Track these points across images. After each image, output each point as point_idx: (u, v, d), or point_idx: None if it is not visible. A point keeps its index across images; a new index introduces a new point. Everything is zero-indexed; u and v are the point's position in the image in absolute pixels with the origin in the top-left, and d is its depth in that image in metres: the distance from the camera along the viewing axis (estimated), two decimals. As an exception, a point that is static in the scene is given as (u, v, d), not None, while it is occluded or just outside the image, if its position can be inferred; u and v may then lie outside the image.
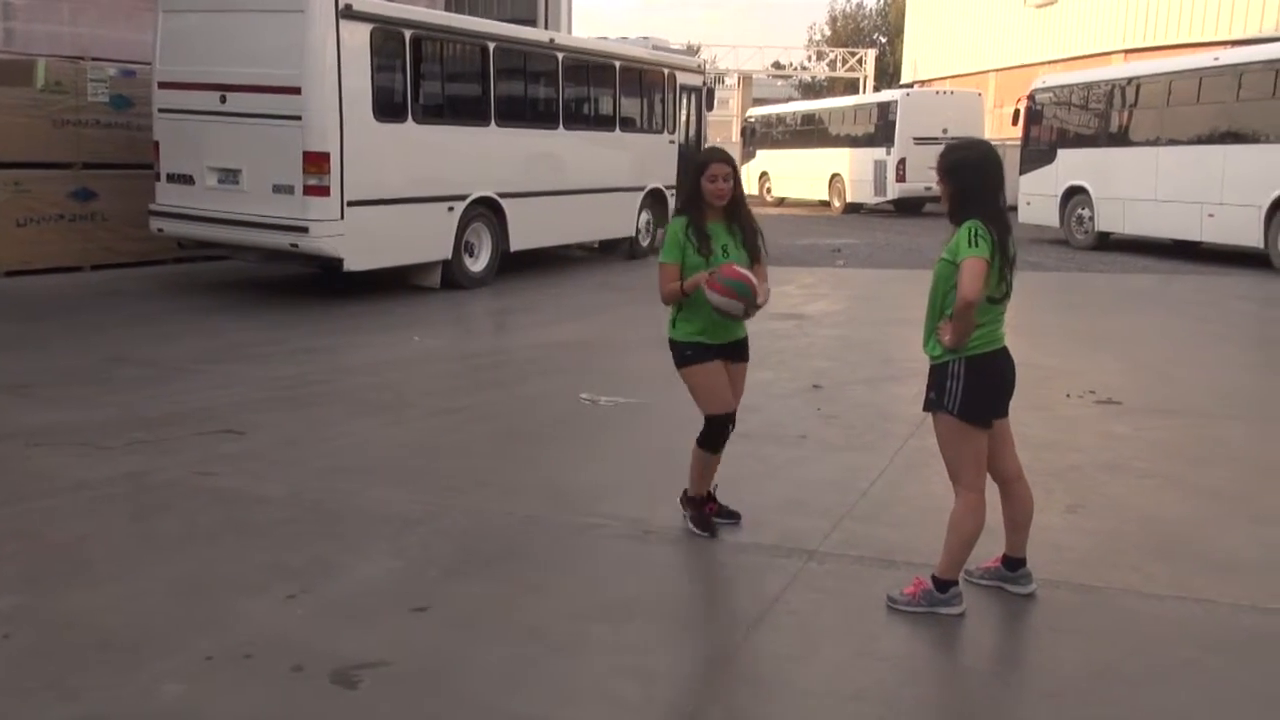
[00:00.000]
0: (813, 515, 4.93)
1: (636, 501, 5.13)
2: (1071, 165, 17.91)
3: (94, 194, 12.39)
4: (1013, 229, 3.92)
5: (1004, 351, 3.89)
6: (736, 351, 4.65)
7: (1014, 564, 4.07)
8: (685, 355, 4.53)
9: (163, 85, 11.12)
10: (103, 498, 5.08)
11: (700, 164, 4.52)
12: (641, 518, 4.89)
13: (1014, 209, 16.67)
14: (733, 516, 4.78)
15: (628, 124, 15.08)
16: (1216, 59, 15.90)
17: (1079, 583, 4.14)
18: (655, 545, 4.61)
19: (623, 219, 15.17)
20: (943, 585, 3.86)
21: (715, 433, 4.59)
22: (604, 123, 14.66)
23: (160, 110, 11.18)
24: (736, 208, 4.54)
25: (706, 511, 4.72)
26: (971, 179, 3.85)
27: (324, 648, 3.58)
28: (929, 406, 3.92)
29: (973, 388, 3.78)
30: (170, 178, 11.14)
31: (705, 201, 4.45)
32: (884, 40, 53.39)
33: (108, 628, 3.74)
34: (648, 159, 15.49)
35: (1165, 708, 3.33)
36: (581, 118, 14.28)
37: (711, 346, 4.53)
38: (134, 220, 11.87)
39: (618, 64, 14.63)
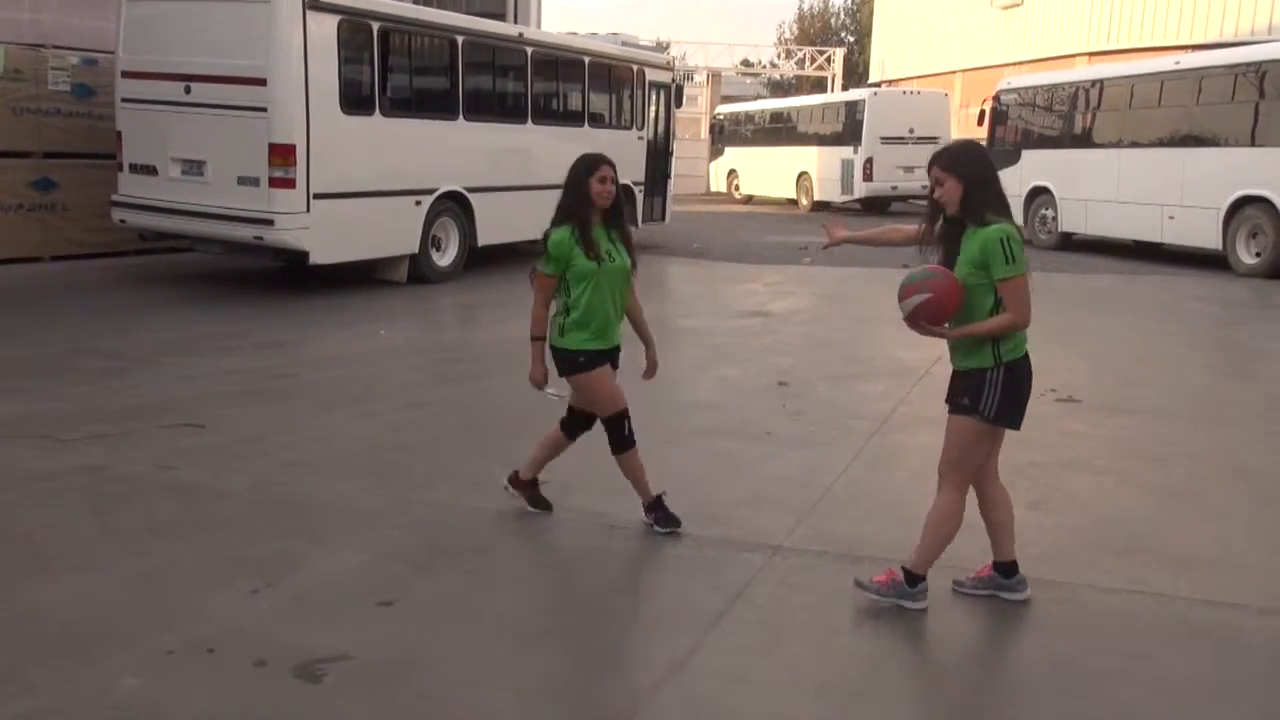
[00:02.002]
0: (777, 511, 4.97)
1: (602, 496, 5.13)
2: (1035, 166, 18.09)
3: (55, 184, 12.22)
4: None
5: (1028, 356, 3.84)
6: (615, 356, 4.68)
7: (1008, 570, 4.05)
8: (579, 363, 4.53)
9: (126, 74, 11.00)
10: (62, 490, 5.02)
11: (588, 166, 4.49)
12: (607, 512, 4.90)
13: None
14: (675, 524, 4.67)
15: (596, 119, 15.07)
16: (1178, 63, 16.13)
17: (1039, 578, 4.18)
18: (620, 540, 4.62)
19: (590, 215, 15.13)
20: (913, 579, 3.89)
21: (621, 428, 4.61)
22: (572, 118, 14.64)
23: (123, 100, 11.05)
24: (616, 211, 4.57)
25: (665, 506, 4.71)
26: (981, 171, 3.79)
27: (287, 642, 3.57)
28: (959, 410, 3.83)
29: (1010, 394, 3.76)
30: (133, 168, 11.02)
31: (592, 204, 4.45)
32: (852, 40, 53.64)
33: (67, 621, 3.70)
34: (616, 155, 15.13)
35: (1121, 700, 3.38)
36: (550, 113, 14.25)
37: (602, 352, 4.56)
38: (96, 211, 11.72)
39: (587, 59, 14.62)
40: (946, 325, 3.81)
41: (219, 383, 7.28)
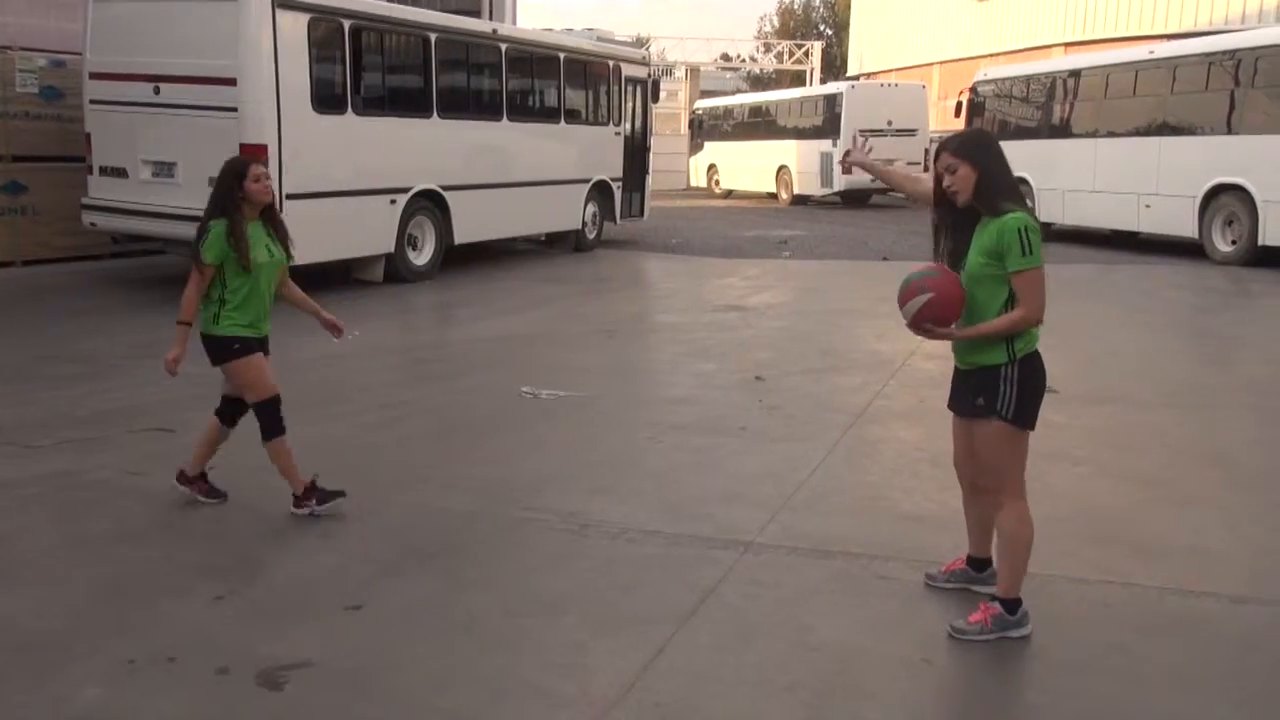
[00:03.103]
0: (750, 507, 4.94)
1: (575, 495, 5.10)
2: (1012, 156, 17.62)
3: (24, 187, 12.09)
4: None
5: (1039, 352, 3.68)
6: (265, 345, 4.81)
7: (980, 564, 4.01)
8: (234, 349, 4.66)
9: (94, 76, 10.88)
10: (29, 498, 4.96)
11: (239, 167, 4.64)
12: (579, 511, 4.87)
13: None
14: (220, 496, 4.89)
15: (573, 116, 15.01)
16: (1152, 52, 16.17)
17: (1011, 569, 4.17)
18: (592, 539, 4.58)
19: (568, 211, 15.11)
20: (1012, 606, 3.66)
21: (273, 416, 4.75)
22: (548, 114, 14.59)
23: (92, 102, 10.94)
24: (271, 209, 4.75)
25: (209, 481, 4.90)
26: (995, 158, 3.60)
27: (251, 649, 3.51)
28: (973, 413, 3.68)
29: (1027, 389, 3.58)
30: (103, 171, 10.91)
31: (247, 202, 4.59)
32: (830, 33, 53.70)
33: (28, 631, 3.64)
34: (593, 151, 15.44)
35: (1092, 691, 3.36)
36: (526, 109, 14.19)
37: (255, 339, 4.69)
38: (66, 214, 11.61)
39: (562, 55, 14.57)
40: (954, 326, 3.65)
41: (190, 386, 7.11)
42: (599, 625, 3.77)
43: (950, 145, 3.66)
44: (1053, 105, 17.78)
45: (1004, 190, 3.57)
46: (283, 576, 4.15)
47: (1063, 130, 17.40)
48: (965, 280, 3.62)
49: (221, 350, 4.66)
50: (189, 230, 10.56)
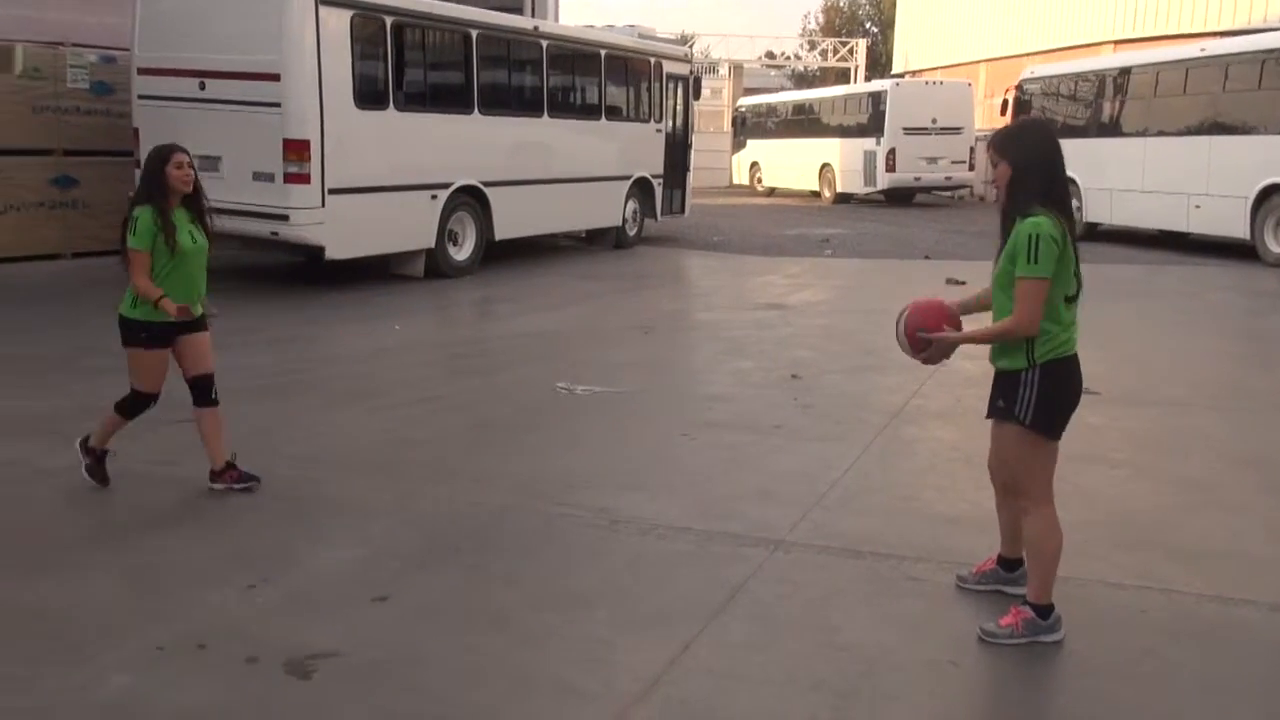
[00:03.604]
0: (782, 505, 4.90)
1: (606, 491, 5.10)
2: (1060, 155, 17.86)
3: (75, 181, 12.30)
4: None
5: (1076, 358, 3.58)
6: (195, 323, 4.90)
7: (1011, 565, 3.95)
8: (140, 337, 4.77)
9: (142, 71, 11.05)
10: (65, 486, 5.03)
11: (164, 154, 4.73)
12: (610, 507, 4.86)
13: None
14: (253, 479, 5.00)
15: (614, 113, 15.01)
16: (1203, 50, 15.87)
17: (1045, 573, 4.11)
18: (622, 535, 4.57)
19: (609, 208, 15.12)
20: (1044, 611, 3.60)
21: (140, 406, 4.93)
22: (589, 111, 14.59)
23: (140, 96, 11.10)
24: (196, 194, 4.84)
25: (104, 463, 5.00)
26: (1030, 155, 3.49)
27: (280, 638, 3.55)
28: (994, 415, 3.63)
29: (1048, 396, 3.49)
30: (150, 165, 11.05)
31: (170, 189, 4.69)
32: (876, 30, 53.27)
33: (61, 618, 3.70)
34: (634, 148, 15.43)
35: (1123, 697, 3.30)
36: (567, 106, 14.21)
37: (167, 327, 4.78)
38: (115, 207, 11.71)
39: (603, 52, 14.56)
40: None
41: (232, 378, 7.21)
42: (626, 621, 3.76)
43: (993, 140, 3.62)
44: (1101, 103, 17.52)
45: (1034, 190, 3.46)
46: (312, 567, 4.18)
47: (1111, 129, 17.14)
48: (993, 282, 3.57)
49: (131, 334, 4.80)
50: (234, 225, 10.80)
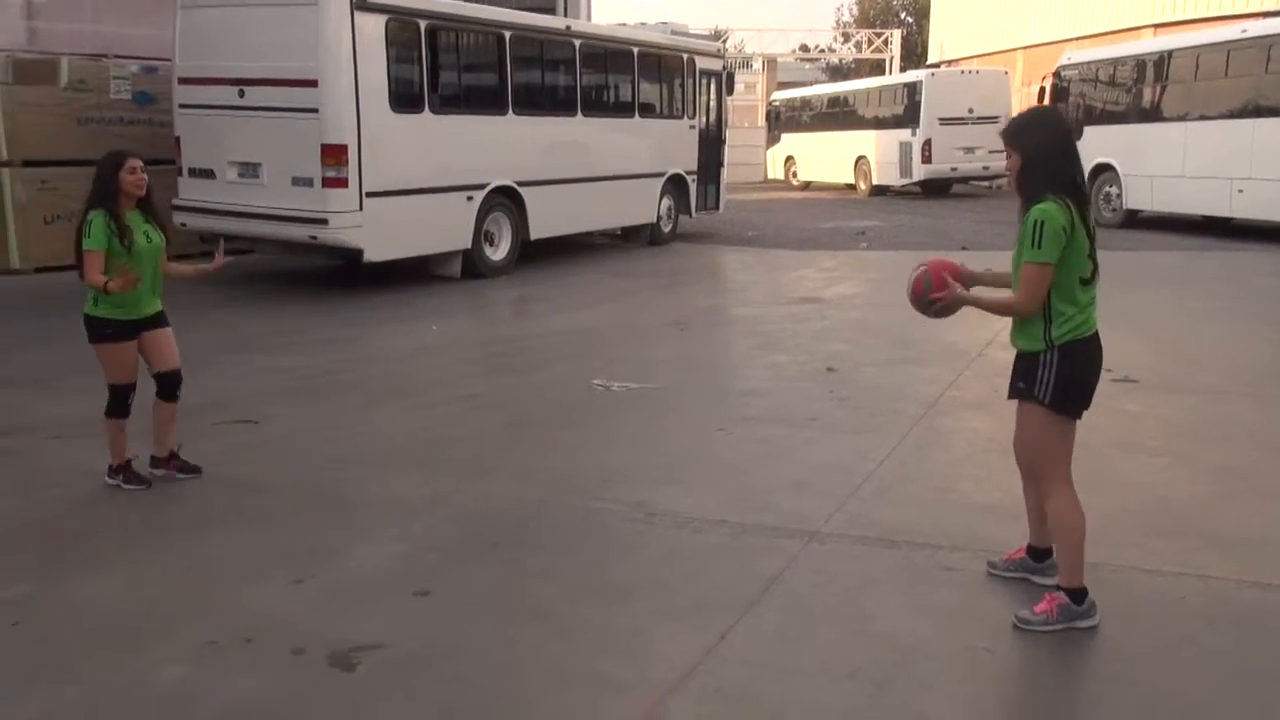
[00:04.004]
0: (817, 497, 4.94)
1: (643, 485, 5.15)
2: (1098, 142, 17.66)
3: (119, 190, 12.52)
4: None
5: (1096, 337, 3.63)
6: (158, 320, 5.16)
7: (1040, 554, 3.97)
8: (106, 333, 4.99)
9: (183, 81, 11.23)
10: (116, 488, 5.16)
11: (117, 159, 4.97)
12: (647, 500, 4.92)
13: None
14: (194, 470, 5.24)
15: (647, 110, 15.06)
16: (1245, 31, 15.63)
17: (1081, 560, 4.12)
18: (659, 528, 4.63)
19: (644, 205, 15.17)
20: (1077, 595, 3.64)
21: (122, 398, 5.08)
22: (623, 109, 14.65)
23: (181, 106, 11.29)
24: (149, 198, 5.06)
25: (132, 468, 5.16)
26: (1039, 144, 3.57)
27: (325, 631, 3.64)
28: (1015, 395, 3.70)
29: (1066, 376, 3.55)
30: (192, 172, 11.26)
31: (123, 193, 4.92)
32: (911, 20, 52.89)
33: (113, 613, 3.81)
34: (668, 145, 15.47)
35: (1158, 683, 3.31)
36: (600, 104, 14.27)
37: (133, 323, 5.02)
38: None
39: (636, 50, 14.61)
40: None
41: (274, 379, 7.43)
42: (663, 612, 3.81)
43: (1004, 130, 3.67)
44: (1140, 88, 17.30)
45: (1044, 178, 3.52)
46: (355, 563, 4.28)
47: (1151, 114, 16.92)
48: (1012, 268, 3.64)
49: (96, 331, 5.01)
50: (274, 229, 10.96)
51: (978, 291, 3.79)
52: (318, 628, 3.67)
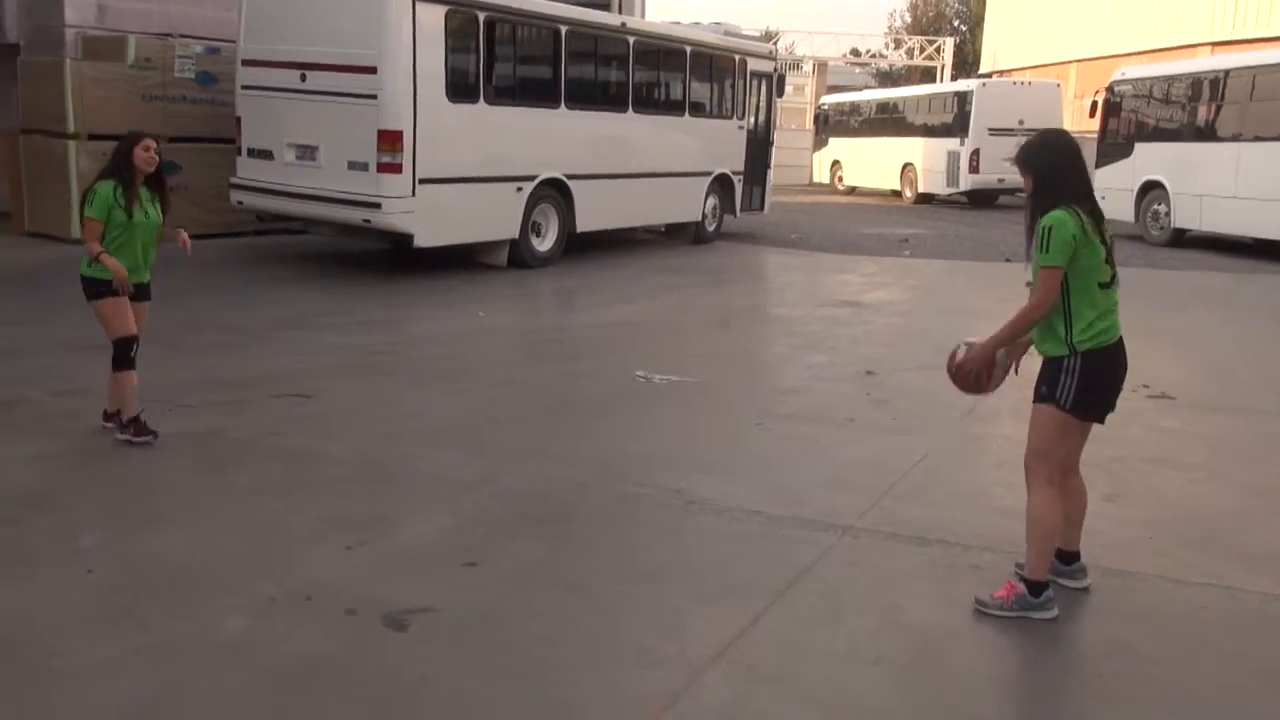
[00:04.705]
0: (852, 493, 5.07)
1: (682, 474, 5.30)
2: (1148, 160, 17.59)
3: (178, 167, 12.77)
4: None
5: (1120, 344, 3.77)
6: (141, 292, 5.54)
7: (1068, 558, 4.10)
8: (103, 290, 5.34)
9: (246, 63, 11.52)
10: (180, 451, 5.40)
11: (133, 139, 5.39)
12: (686, 489, 5.07)
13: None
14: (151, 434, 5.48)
15: (697, 109, 15.20)
16: (1303, 53, 15.52)
17: (1107, 566, 4.23)
18: (696, 515, 4.78)
19: (689, 203, 15.31)
20: (1035, 588, 3.80)
21: (125, 350, 5.41)
22: (673, 107, 14.79)
23: (243, 87, 11.58)
24: (159, 176, 5.48)
25: (141, 421, 5.47)
26: (1048, 160, 3.76)
27: (378, 594, 3.83)
28: (1037, 399, 3.82)
29: (1088, 384, 3.70)
30: (251, 153, 11.55)
31: (136, 168, 5.32)
32: (964, 29, 52.59)
33: (180, 567, 4.03)
34: (716, 144, 15.59)
35: (1174, 684, 3.43)
36: (651, 102, 14.43)
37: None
38: (216, 193, 12.30)
39: (688, 49, 14.74)
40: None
41: (326, 357, 7.66)
42: (699, 594, 3.97)
43: (1018, 152, 3.86)
44: (1194, 107, 17.19)
45: (1056, 195, 3.69)
46: (407, 533, 4.47)
47: (1204, 133, 16.81)
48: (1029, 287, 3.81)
49: (94, 289, 5.37)
50: (328, 211, 11.22)
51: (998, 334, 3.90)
52: (371, 590, 3.86)
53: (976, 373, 3.97)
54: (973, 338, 4.03)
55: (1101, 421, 3.86)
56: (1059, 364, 3.74)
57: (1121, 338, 3.79)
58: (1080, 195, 3.74)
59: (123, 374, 5.41)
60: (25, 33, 13.57)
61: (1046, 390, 3.78)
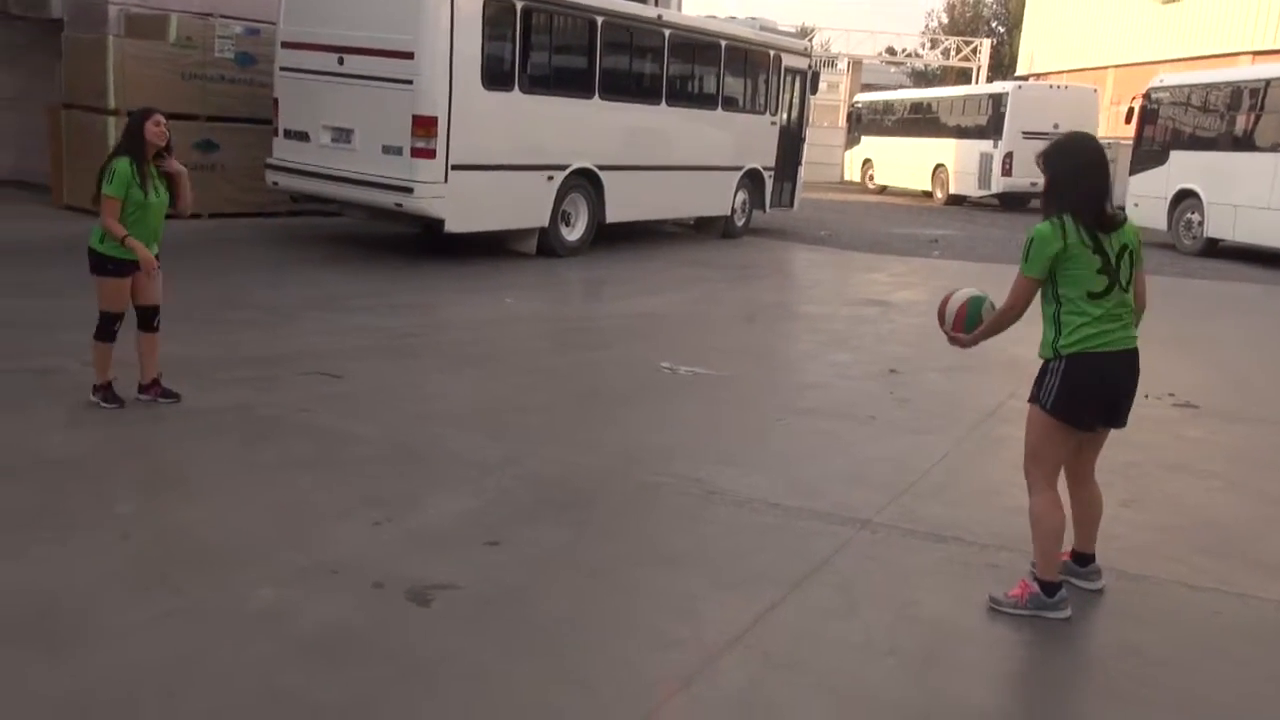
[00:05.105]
0: (871, 489, 5.12)
1: (703, 464, 5.37)
2: (1183, 167, 17.47)
3: (216, 146, 13.01)
4: (1123, 220, 3.83)
5: (1121, 354, 3.79)
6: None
7: (1083, 559, 4.15)
8: (107, 267, 5.48)
9: (285, 45, 11.63)
10: (211, 426, 5.51)
11: (143, 114, 5.49)
12: (706, 479, 5.14)
13: (1122, 209, 16.38)
14: (174, 396, 5.74)
15: (730, 103, 15.21)
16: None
17: (1122, 570, 4.27)
18: (716, 505, 4.84)
19: (719, 197, 15.34)
20: (1049, 588, 3.86)
21: (109, 324, 5.56)
22: (706, 101, 14.82)
23: (281, 69, 11.69)
24: (168, 151, 5.56)
25: (112, 389, 5.62)
26: (1063, 166, 3.81)
27: (402, 570, 3.92)
28: (1030, 399, 3.93)
29: (1070, 388, 3.76)
30: (287, 134, 11.66)
31: (147, 143, 5.41)
32: (1002, 30, 52.22)
33: (211, 538, 4.13)
34: (748, 139, 15.61)
35: (1183, 687, 3.47)
36: (684, 95, 14.47)
37: (131, 263, 5.48)
38: (252, 173, 12.45)
39: (723, 43, 14.76)
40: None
41: (356, 338, 7.76)
42: (716, 581, 4.04)
43: (1041, 152, 3.94)
44: (1231, 116, 17.05)
45: (1060, 197, 3.79)
46: (433, 511, 4.55)
47: (1241, 143, 16.68)
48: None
49: (99, 264, 5.50)
50: (362, 194, 11.33)
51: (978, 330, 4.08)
52: (396, 566, 3.95)
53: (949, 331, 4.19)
54: (977, 292, 4.23)
55: (1090, 429, 3.90)
56: (1045, 366, 3.87)
57: (1130, 349, 3.82)
58: (1086, 205, 3.77)
59: (100, 344, 5.57)
60: (69, 9, 13.74)
61: (1035, 391, 3.91)
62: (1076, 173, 3.81)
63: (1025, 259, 3.81)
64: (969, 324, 4.10)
